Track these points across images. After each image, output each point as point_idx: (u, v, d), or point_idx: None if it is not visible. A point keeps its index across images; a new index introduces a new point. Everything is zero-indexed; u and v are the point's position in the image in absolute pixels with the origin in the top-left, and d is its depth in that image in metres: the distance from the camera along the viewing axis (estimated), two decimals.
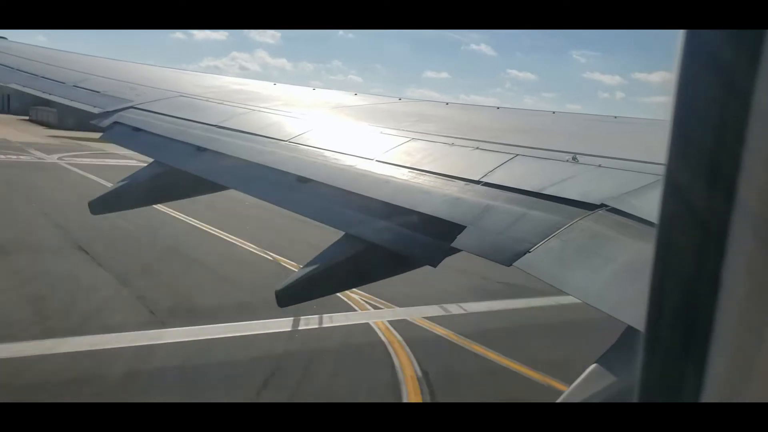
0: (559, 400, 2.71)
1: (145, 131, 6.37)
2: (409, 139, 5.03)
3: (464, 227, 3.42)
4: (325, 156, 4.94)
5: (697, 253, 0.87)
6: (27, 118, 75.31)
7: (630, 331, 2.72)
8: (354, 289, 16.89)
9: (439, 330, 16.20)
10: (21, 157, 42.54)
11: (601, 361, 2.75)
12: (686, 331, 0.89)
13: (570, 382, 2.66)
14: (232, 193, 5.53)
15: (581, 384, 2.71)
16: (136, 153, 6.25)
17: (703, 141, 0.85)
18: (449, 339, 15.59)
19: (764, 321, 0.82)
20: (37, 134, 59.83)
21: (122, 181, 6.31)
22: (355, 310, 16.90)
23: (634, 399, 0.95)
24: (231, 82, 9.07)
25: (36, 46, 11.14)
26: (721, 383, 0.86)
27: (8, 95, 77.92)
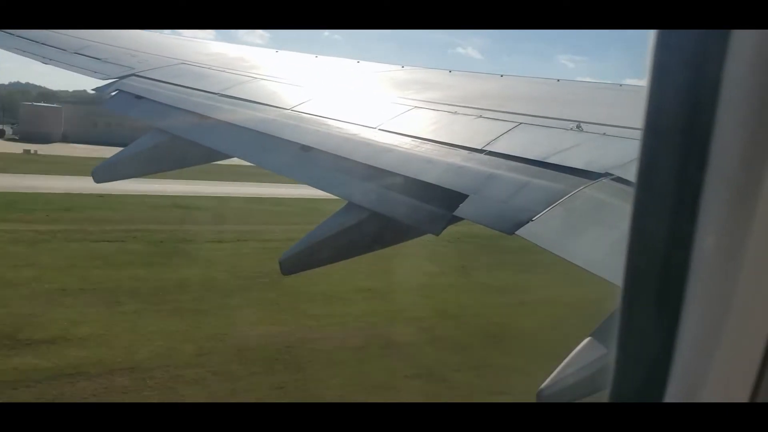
0: (556, 371, 2.74)
1: (147, 99, 6.33)
2: (412, 107, 5.00)
3: (467, 196, 3.41)
4: (327, 124, 4.92)
5: (670, 223, 0.91)
6: None
7: None
8: None
9: None
10: None
11: (596, 333, 2.77)
12: (660, 293, 0.92)
13: None
14: None
15: (577, 355, 2.74)
16: None
17: (675, 122, 0.88)
18: None
19: (734, 274, 0.85)
20: None
21: (124, 149, 6.30)
22: None
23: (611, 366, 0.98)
24: (233, 50, 8.98)
25: None
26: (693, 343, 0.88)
27: None
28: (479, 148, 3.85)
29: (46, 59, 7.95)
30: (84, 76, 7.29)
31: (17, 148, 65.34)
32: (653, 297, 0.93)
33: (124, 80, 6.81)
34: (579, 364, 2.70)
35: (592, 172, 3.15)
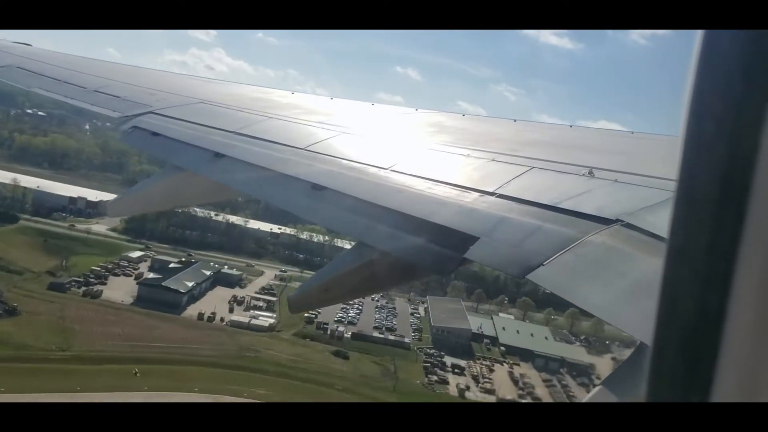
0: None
1: (164, 136, 6.42)
2: (425, 149, 5.03)
3: (478, 238, 3.41)
4: (340, 164, 4.96)
5: (706, 263, 0.86)
6: None
7: (638, 351, 2.69)
8: None
9: None
10: None
11: (607, 382, 2.73)
12: (694, 345, 0.88)
13: None
14: None
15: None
16: None
17: (715, 152, 0.84)
18: None
19: None
20: None
21: (137, 185, 6.37)
22: None
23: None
24: (250, 91, 9.13)
25: (58, 52, 11.29)
26: (726, 394, 0.84)
27: None
28: (491, 191, 3.86)
29: (67, 97, 8.14)
30: (104, 113, 7.44)
31: None
32: (681, 380, 0.88)
33: (141, 117, 6.93)
34: None
35: (603, 218, 3.15)
